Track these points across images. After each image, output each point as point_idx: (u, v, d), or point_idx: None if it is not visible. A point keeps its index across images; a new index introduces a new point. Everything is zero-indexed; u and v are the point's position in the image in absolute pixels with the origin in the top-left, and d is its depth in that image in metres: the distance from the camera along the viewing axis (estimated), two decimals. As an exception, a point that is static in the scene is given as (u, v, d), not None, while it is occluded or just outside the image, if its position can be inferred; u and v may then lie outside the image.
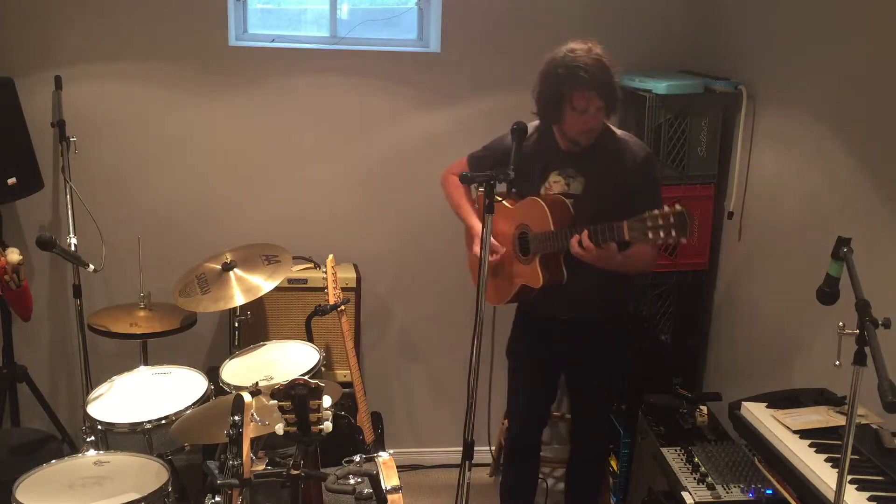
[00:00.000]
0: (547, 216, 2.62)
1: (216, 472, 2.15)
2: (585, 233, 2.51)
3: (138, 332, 3.10)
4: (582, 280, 2.67)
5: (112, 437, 2.66)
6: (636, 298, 3.39)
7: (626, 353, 3.08)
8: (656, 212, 2.35)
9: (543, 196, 2.73)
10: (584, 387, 3.01)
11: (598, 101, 2.54)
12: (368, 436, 3.22)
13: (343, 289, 3.28)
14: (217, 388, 2.88)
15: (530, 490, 3.19)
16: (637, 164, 2.70)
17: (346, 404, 3.19)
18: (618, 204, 2.60)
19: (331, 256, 3.22)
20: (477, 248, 2.66)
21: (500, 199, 2.65)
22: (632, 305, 3.50)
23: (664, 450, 2.76)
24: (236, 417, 2.06)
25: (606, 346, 2.91)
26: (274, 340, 3.23)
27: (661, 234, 2.34)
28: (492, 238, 2.64)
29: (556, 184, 2.74)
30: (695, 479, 2.55)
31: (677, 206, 2.34)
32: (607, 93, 2.54)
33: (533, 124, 2.74)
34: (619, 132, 2.77)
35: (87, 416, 2.71)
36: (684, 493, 2.49)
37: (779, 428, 2.29)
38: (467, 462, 2.40)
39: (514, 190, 2.55)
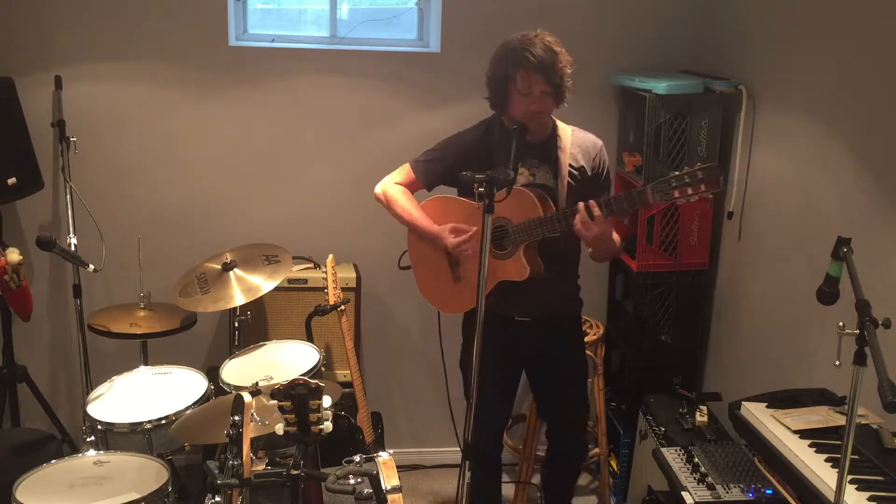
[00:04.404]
0: (535, 203, 2.59)
1: (216, 472, 2.15)
2: (593, 203, 2.45)
3: (138, 332, 3.10)
4: (554, 275, 2.68)
5: (112, 437, 2.66)
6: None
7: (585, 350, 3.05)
8: (685, 169, 2.35)
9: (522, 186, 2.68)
10: (557, 385, 2.93)
11: (542, 84, 2.56)
12: (368, 436, 3.22)
13: (343, 289, 3.28)
14: (217, 388, 2.88)
15: (499, 495, 3.11)
16: (598, 148, 2.76)
17: (346, 404, 3.19)
18: (588, 188, 2.66)
19: (331, 256, 3.22)
20: (453, 240, 2.66)
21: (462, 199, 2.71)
22: (630, 305, 3.50)
23: (664, 450, 2.76)
24: (236, 417, 2.06)
25: (576, 343, 2.93)
26: (274, 340, 3.23)
27: (690, 190, 2.33)
28: (461, 225, 2.69)
29: (520, 175, 2.69)
30: (695, 479, 2.55)
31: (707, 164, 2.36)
32: (552, 76, 2.56)
33: (484, 121, 2.78)
34: (565, 124, 2.77)
35: (87, 416, 2.71)
36: (684, 493, 2.48)
37: (779, 428, 2.29)
38: (467, 462, 2.40)
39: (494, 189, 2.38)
